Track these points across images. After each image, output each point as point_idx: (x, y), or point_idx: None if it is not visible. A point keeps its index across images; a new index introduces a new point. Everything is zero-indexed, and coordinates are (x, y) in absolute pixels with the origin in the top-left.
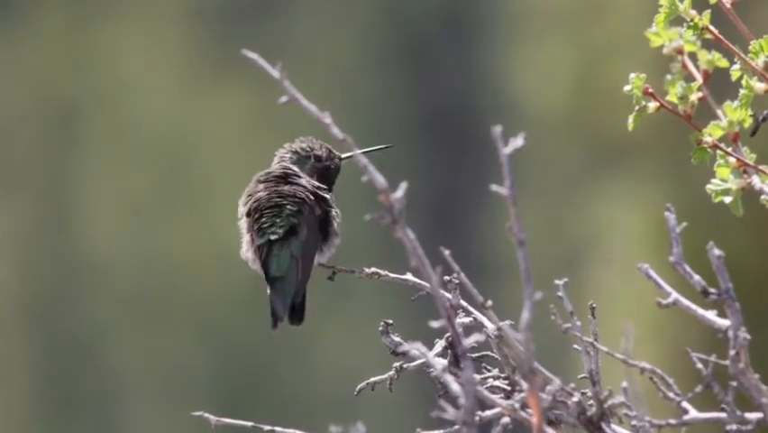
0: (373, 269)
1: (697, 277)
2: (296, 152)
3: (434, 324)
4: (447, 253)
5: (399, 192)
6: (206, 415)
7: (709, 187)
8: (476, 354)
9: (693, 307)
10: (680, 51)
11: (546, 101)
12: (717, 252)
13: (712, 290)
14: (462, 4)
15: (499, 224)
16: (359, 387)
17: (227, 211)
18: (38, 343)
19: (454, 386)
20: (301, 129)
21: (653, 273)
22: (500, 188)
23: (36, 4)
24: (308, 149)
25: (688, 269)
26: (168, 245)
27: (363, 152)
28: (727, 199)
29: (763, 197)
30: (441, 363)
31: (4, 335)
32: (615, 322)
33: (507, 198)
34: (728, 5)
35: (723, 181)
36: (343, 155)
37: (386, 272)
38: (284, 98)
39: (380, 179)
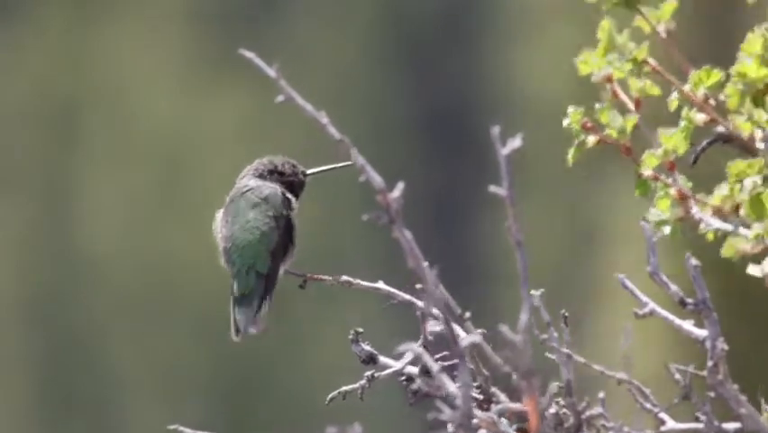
0: (345, 277)
1: (674, 287)
2: (257, 170)
3: (429, 325)
4: (426, 264)
5: (396, 192)
6: (181, 428)
7: (649, 217)
8: (447, 363)
9: (671, 317)
10: (609, 80)
11: (548, 95)
12: (693, 261)
13: (689, 300)
14: (463, 3)
15: (500, 223)
16: (330, 396)
17: None
18: (37, 342)
19: (451, 387)
20: (301, 129)
21: (628, 283)
22: (498, 189)
23: (37, 4)
24: (271, 165)
25: (665, 279)
26: (167, 245)
27: (324, 171)
28: (666, 230)
29: (702, 225)
30: (411, 373)
31: (3, 335)
32: (628, 304)
33: (505, 198)
34: (664, 35)
35: (662, 212)
36: (308, 171)
37: (357, 280)
38: (280, 97)
39: (378, 179)
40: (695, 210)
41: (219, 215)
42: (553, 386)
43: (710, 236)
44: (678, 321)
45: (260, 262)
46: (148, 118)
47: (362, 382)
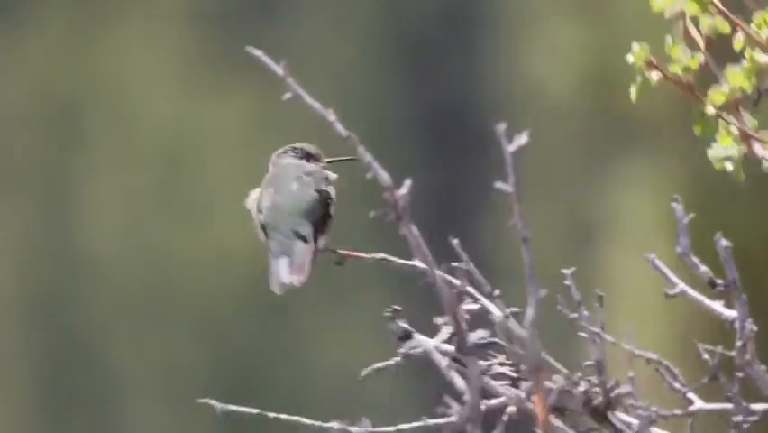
0: (381, 255)
1: (704, 268)
2: (294, 152)
3: (439, 320)
4: (456, 241)
5: (404, 189)
6: (212, 402)
7: (710, 153)
8: (484, 341)
9: (700, 297)
10: (682, 15)
11: (555, 88)
12: (724, 242)
13: (719, 280)
14: (463, 3)
15: (503, 223)
16: (364, 372)
17: (228, 210)
18: (37, 342)
19: (459, 382)
20: (302, 129)
21: (659, 264)
22: (505, 186)
23: (37, 5)
24: (305, 151)
25: (695, 260)
26: (168, 245)
27: (330, 162)
28: (729, 166)
29: (765, 164)
30: (446, 351)
31: (3, 335)
32: (628, 303)
33: (511, 195)
34: None
35: (725, 148)
36: (327, 159)
37: (394, 258)
38: (288, 95)
39: (385, 176)
40: (758, 148)
41: (255, 192)
42: (558, 378)
43: None
44: (707, 302)
45: (303, 228)
46: (148, 118)
47: (397, 358)
